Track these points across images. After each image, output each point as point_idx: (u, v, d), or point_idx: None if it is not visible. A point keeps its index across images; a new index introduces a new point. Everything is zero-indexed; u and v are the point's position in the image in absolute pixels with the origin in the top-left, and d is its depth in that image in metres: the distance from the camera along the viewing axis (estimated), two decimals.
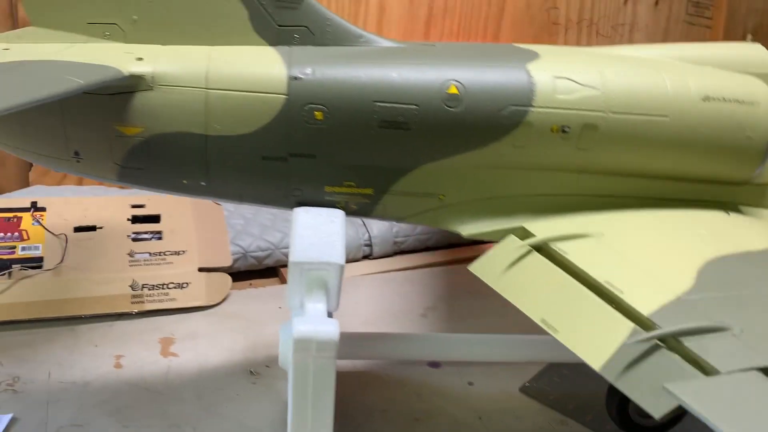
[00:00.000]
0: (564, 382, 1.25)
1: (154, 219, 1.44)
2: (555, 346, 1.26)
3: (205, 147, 0.81)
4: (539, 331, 0.72)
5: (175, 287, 1.34)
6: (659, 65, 0.88)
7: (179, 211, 1.45)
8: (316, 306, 0.81)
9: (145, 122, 0.78)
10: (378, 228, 1.68)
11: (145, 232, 1.41)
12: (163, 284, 1.33)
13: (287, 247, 1.64)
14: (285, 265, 1.65)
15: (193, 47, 0.78)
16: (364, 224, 1.69)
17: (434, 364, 1.27)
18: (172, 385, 1.15)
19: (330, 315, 0.82)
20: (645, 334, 0.63)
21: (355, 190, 0.85)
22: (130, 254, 1.37)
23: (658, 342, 0.63)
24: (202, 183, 0.84)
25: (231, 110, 0.78)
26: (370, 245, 1.68)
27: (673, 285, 0.69)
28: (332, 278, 0.82)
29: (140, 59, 0.77)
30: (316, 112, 0.78)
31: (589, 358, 0.66)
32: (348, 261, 1.69)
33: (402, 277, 1.60)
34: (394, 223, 1.71)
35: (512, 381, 1.24)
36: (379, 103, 0.78)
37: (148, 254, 1.37)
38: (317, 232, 0.83)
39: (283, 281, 1.55)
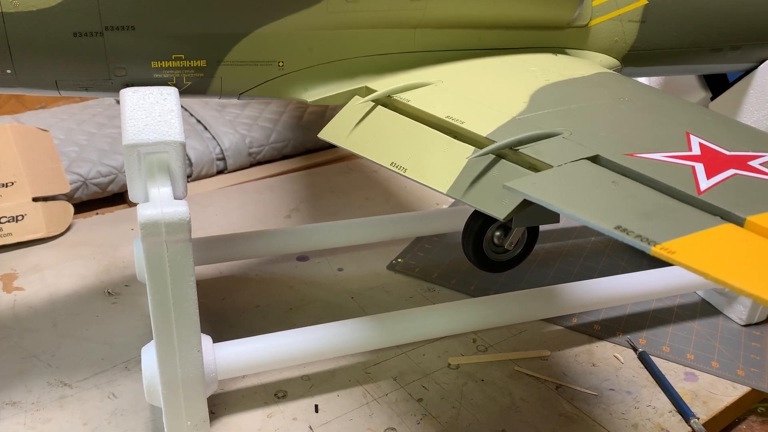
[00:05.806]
0: (427, 255, 1.30)
1: None
2: (416, 222, 1.32)
3: (3, 27, 0.72)
4: None
5: (8, 221, 1.22)
6: None
7: None
8: (161, 190, 0.76)
9: None
10: (230, 140, 1.62)
11: None
12: None
13: None
14: None
15: None
16: (214, 137, 1.62)
17: (302, 258, 1.27)
18: (22, 319, 1.06)
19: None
20: (483, 150, 0.66)
21: (185, 63, 0.79)
22: None
23: (498, 155, 0.66)
24: (8, 71, 0.75)
25: None
26: (223, 159, 1.61)
27: (508, 109, 0.72)
28: (174, 159, 0.77)
29: None
30: None
31: (436, 185, 0.68)
32: (201, 177, 1.62)
33: (261, 186, 1.56)
34: (246, 133, 1.65)
35: (379, 262, 1.27)
36: None
37: None
38: (150, 112, 0.77)
39: (132, 205, 1.46)
